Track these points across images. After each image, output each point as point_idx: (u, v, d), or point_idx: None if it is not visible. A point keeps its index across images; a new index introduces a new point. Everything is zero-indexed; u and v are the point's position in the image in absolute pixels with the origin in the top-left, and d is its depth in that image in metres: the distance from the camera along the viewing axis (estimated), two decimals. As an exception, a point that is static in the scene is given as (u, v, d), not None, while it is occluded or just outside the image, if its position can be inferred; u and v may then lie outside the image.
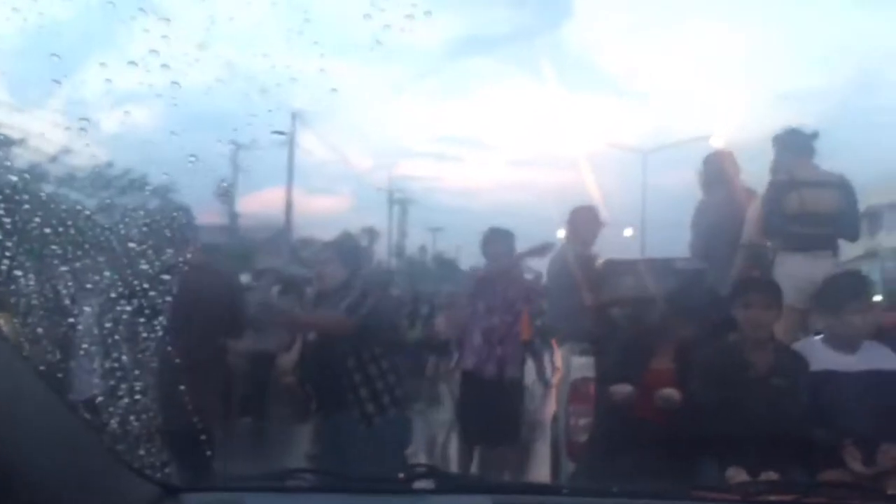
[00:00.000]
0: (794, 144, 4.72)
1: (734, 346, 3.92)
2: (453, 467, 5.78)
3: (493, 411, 5.72)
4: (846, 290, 3.98)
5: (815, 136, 4.77)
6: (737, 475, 3.43)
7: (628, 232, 27.62)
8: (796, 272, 4.26)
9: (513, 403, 5.81)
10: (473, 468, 5.69)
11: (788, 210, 4.54)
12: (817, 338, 4.02)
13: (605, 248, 6.10)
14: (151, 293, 2.56)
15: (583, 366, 4.70)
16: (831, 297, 3.98)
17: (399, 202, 43.60)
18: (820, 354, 3.88)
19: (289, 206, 29.69)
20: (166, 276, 2.80)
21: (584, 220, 5.92)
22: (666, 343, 4.14)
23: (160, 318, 2.62)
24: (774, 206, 4.58)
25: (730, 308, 4.03)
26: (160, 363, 2.76)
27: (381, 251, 29.11)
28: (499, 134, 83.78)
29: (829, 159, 4.82)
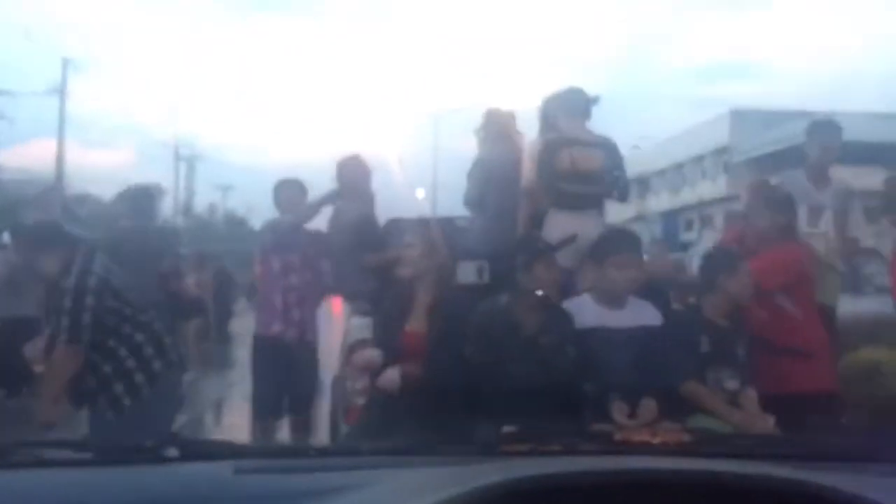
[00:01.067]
0: (568, 105, 4.79)
1: (506, 304, 3.94)
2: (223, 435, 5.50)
3: (283, 377, 5.46)
4: (612, 246, 4.11)
5: (590, 99, 4.87)
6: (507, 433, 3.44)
7: (420, 193, 28.05)
8: (565, 230, 4.34)
9: (305, 369, 5.53)
10: (257, 435, 5.43)
11: (559, 168, 4.61)
12: (586, 295, 4.12)
13: (395, 208, 5.98)
14: None
15: (360, 327, 4.60)
16: (598, 253, 4.09)
17: (186, 159, 41.70)
18: (588, 311, 3.98)
19: (60, 159, 27.55)
20: None
21: (352, 170, 5.66)
22: (437, 303, 4.08)
23: None
24: (547, 164, 4.63)
25: (507, 267, 4.04)
26: None
27: (167, 209, 27.68)
28: (289, 91, 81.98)
29: (603, 126, 4.95)
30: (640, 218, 27.13)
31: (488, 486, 1.36)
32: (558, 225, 4.47)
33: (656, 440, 1.87)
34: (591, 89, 4.89)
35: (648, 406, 3.66)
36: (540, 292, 3.88)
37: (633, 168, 5.12)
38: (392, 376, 3.84)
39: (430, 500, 1.32)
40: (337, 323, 5.67)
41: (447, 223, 5.37)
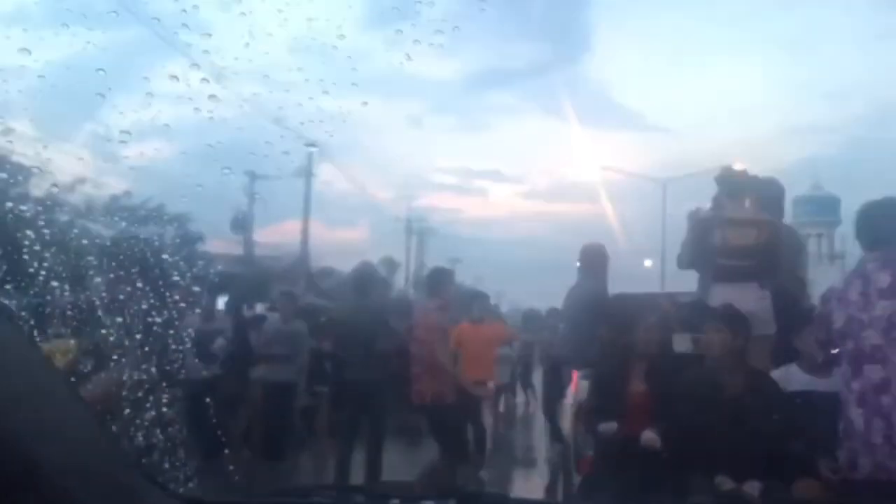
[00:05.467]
0: (730, 184, 4.94)
1: (709, 369, 4.20)
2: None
3: None
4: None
5: (748, 180, 5.05)
6: (724, 483, 3.70)
7: (647, 263, 28.54)
8: (726, 301, 4.45)
9: None
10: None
11: (714, 244, 4.78)
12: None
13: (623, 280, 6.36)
14: (176, 312, 2.67)
15: (587, 388, 4.99)
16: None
17: (418, 233, 43.65)
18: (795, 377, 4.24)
19: (306, 236, 29.82)
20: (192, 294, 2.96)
21: (593, 256, 6.19)
22: (653, 368, 4.51)
23: (185, 334, 2.74)
24: (703, 239, 4.82)
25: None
26: (186, 379, 2.85)
27: (400, 281, 29.16)
28: (516, 166, 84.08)
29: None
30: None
31: None
32: (720, 296, 4.61)
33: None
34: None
35: None
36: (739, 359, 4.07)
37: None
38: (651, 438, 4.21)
39: None
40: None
41: (669, 296, 5.65)
